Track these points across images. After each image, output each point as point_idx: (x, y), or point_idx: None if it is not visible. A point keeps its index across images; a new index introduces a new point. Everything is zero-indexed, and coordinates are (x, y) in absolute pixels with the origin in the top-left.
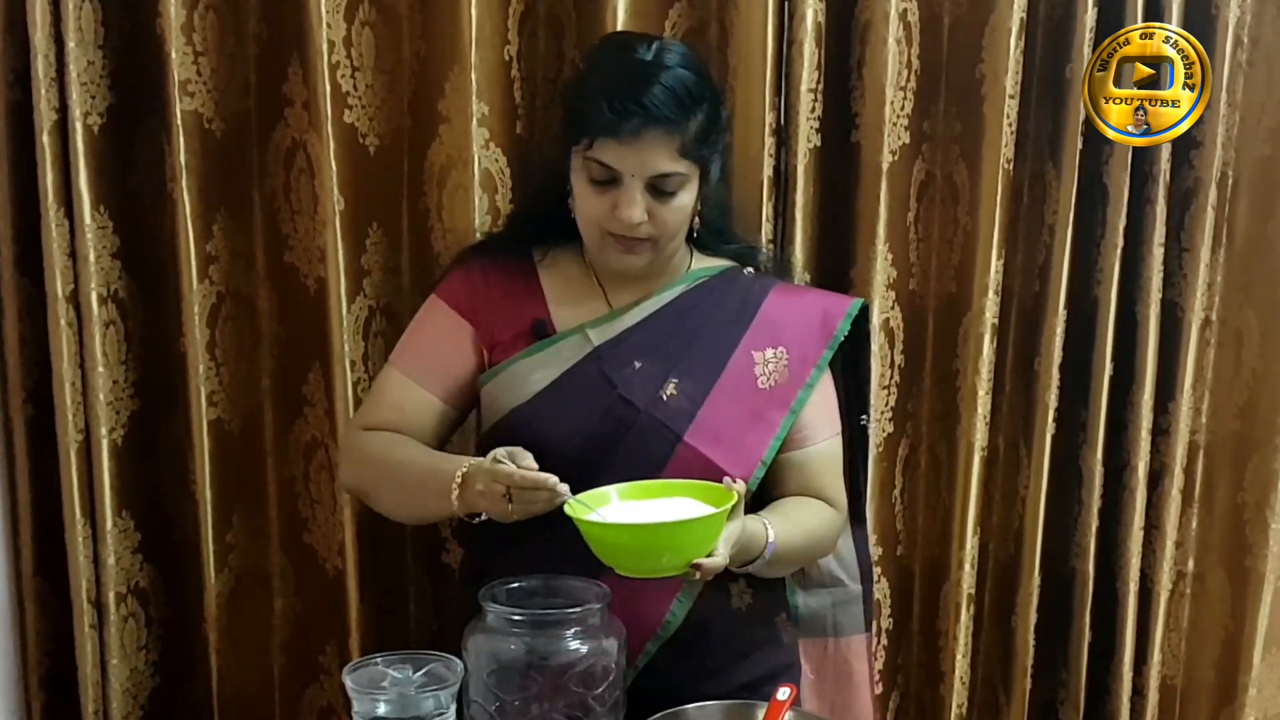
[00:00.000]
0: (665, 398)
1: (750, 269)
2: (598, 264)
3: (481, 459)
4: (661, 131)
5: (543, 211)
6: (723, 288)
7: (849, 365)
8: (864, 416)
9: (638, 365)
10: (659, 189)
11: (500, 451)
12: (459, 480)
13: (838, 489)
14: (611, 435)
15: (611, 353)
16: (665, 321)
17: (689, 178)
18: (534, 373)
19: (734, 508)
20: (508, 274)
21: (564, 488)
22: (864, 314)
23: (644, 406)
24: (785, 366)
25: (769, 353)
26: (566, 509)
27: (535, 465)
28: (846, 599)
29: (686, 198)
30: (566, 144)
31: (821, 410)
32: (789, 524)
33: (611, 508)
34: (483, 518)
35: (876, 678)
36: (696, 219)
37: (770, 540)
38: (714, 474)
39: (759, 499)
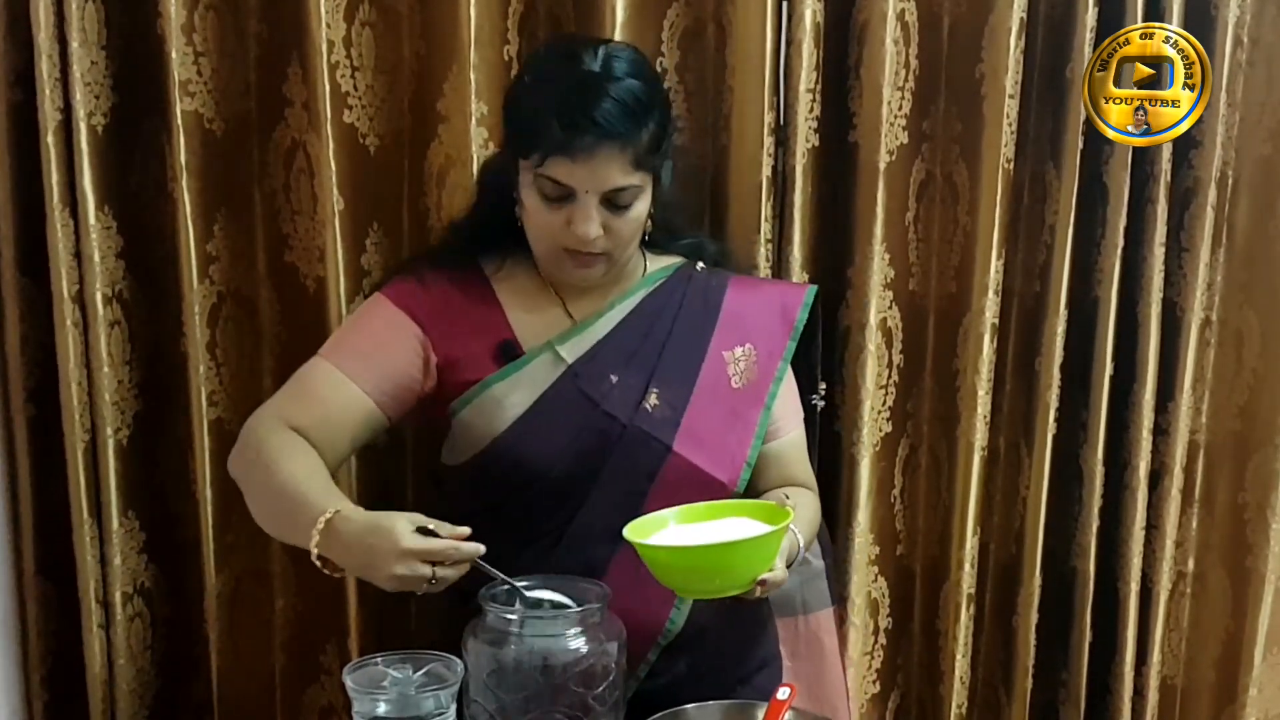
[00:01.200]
0: (650, 409)
1: (701, 264)
2: (552, 276)
3: (357, 510)
4: (615, 147)
5: (490, 222)
6: (681, 288)
7: (799, 347)
8: (814, 396)
9: (614, 379)
10: (614, 203)
11: (429, 524)
12: (322, 525)
13: (809, 473)
14: (598, 452)
15: (587, 369)
16: (632, 330)
17: (642, 189)
18: (508, 396)
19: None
20: (460, 286)
21: (479, 547)
22: (814, 299)
23: (628, 420)
24: (755, 364)
25: (738, 351)
26: (627, 534)
27: (449, 529)
28: (812, 575)
29: (641, 207)
30: (514, 156)
31: (789, 400)
32: (802, 522)
33: (669, 531)
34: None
35: (871, 674)
36: (649, 223)
37: (800, 543)
38: (703, 480)
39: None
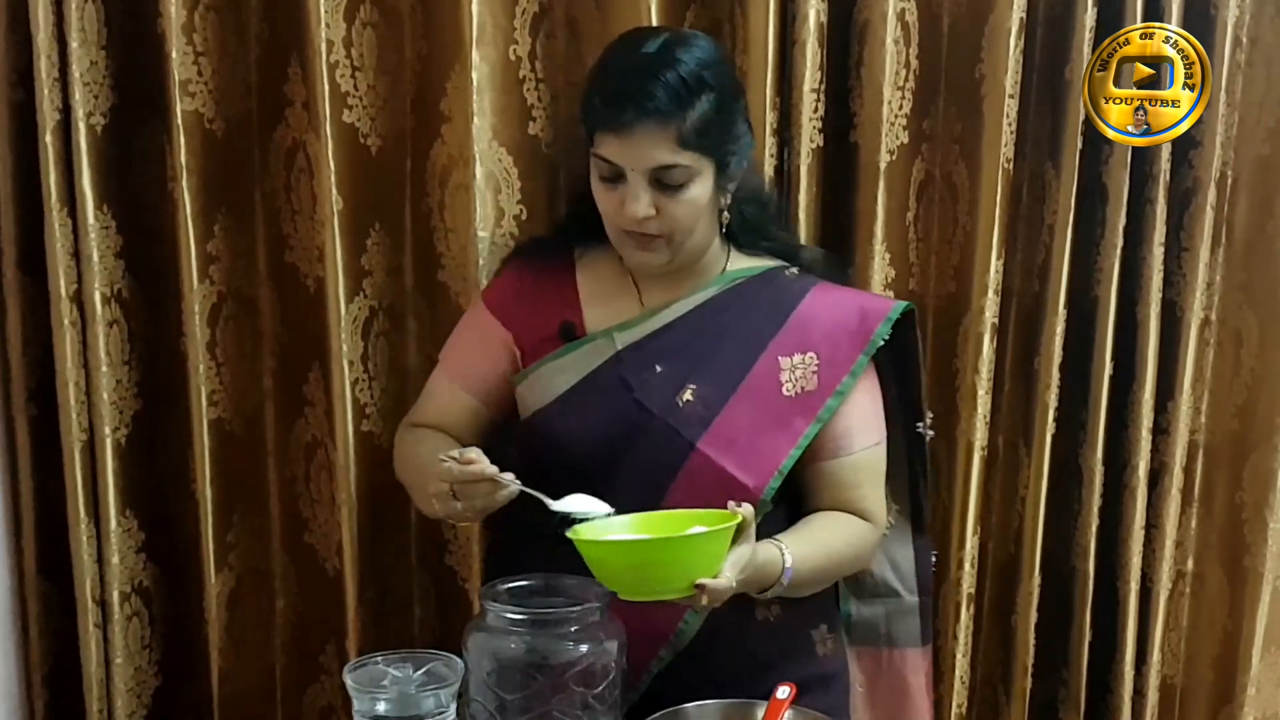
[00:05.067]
0: (681, 404)
1: (794, 269)
2: (628, 263)
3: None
4: (655, 124)
5: (580, 212)
6: (759, 289)
7: (899, 370)
8: (920, 424)
9: (658, 369)
10: (664, 182)
11: (452, 452)
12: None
13: (874, 499)
14: (625, 440)
15: (633, 356)
16: (693, 324)
17: (696, 171)
18: (559, 375)
19: (741, 531)
20: (546, 274)
21: (508, 477)
22: (909, 317)
23: (659, 411)
24: (814, 373)
25: (797, 358)
26: (570, 534)
27: (484, 461)
28: (901, 610)
29: (697, 191)
30: (585, 143)
31: (860, 417)
32: (809, 545)
33: (615, 533)
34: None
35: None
36: (725, 214)
37: (787, 565)
38: (727, 482)
39: (794, 510)
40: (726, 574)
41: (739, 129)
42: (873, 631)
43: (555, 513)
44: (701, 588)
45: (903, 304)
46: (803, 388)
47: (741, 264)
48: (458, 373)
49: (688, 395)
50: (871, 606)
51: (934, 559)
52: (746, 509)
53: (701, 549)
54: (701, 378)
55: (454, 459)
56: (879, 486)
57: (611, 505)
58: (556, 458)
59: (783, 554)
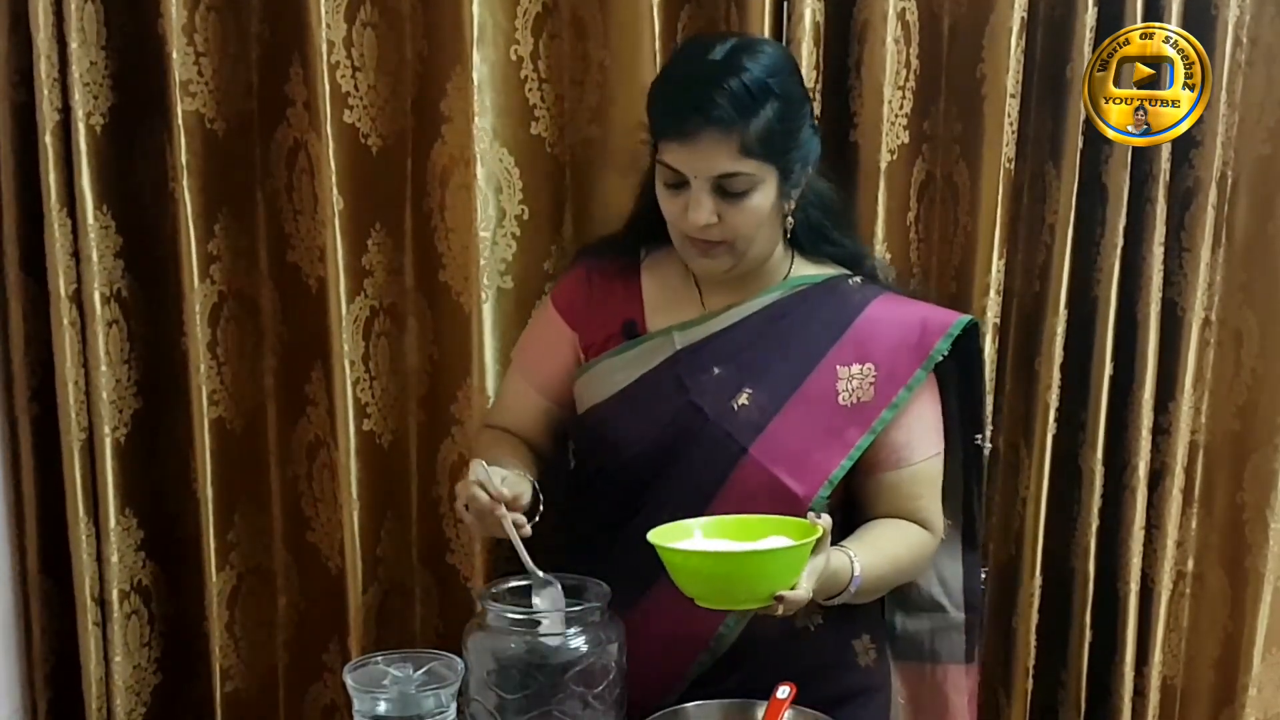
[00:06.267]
0: (736, 408)
1: (857, 278)
2: (692, 267)
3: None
4: (719, 132)
5: (646, 214)
6: (821, 297)
7: (962, 383)
8: (979, 437)
9: (716, 372)
10: (727, 190)
11: (478, 472)
12: None
13: (933, 510)
14: (677, 441)
15: (691, 357)
16: (753, 329)
17: (759, 179)
18: (617, 372)
19: (819, 541)
20: (612, 275)
21: (520, 519)
22: (971, 331)
23: (713, 415)
24: (871, 384)
25: (855, 368)
26: (650, 537)
27: (496, 483)
28: (946, 626)
29: (760, 199)
30: (651, 148)
31: (919, 429)
32: (876, 554)
33: (694, 541)
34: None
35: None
36: (789, 221)
37: (856, 573)
38: (777, 489)
39: (850, 518)
40: (804, 584)
41: (804, 136)
42: (917, 646)
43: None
44: (781, 599)
45: (966, 318)
46: (859, 398)
47: (805, 270)
48: (529, 373)
49: (743, 400)
50: (917, 620)
51: (984, 575)
52: (826, 520)
53: (785, 561)
54: (758, 383)
55: (483, 472)
56: (937, 497)
57: (658, 515)
58: (608, 455)
59: (852, 562)
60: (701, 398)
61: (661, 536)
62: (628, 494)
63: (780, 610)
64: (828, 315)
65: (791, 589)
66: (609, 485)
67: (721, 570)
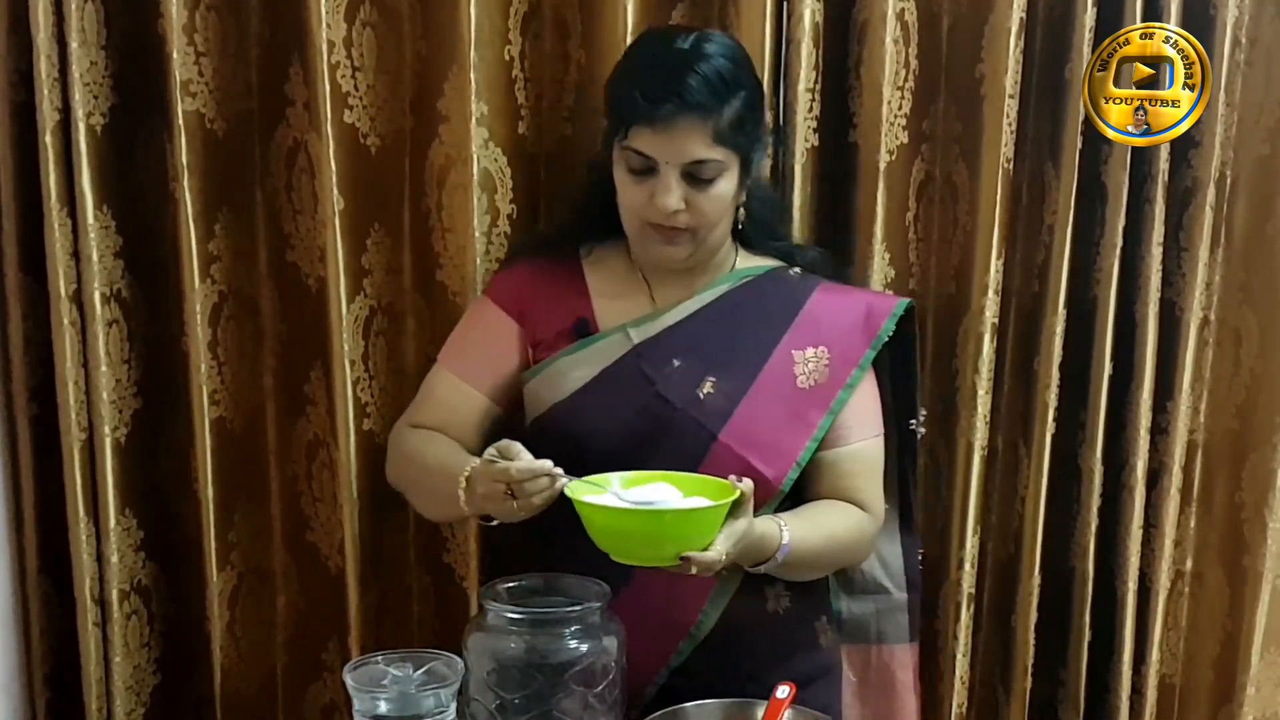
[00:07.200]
0: (702, 396)
1: (797, 269)
2: (642, 260)
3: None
4: (695, 118)
5: (590, 209)
6: (767, 286)
7: (896, 367)
8: (913, 421)
9: (677, 363)
10: (696, 176)
11: (492, 449)
12: (463, 483)
13: (872, 492)
14: (649, 433)
15: (651, 350)
16: (707, 320)
17: (726, 166)
18: (574, 370)
19: (739, 505)
20: (554, 272)
21: (560, 471)
22: (910, 315)
23: (681, 405)
24: (826, 366)
25: (809, 352)
26: (566, 490)
27: (529, 455)
28: (891, 607)
29: (725, 186)
30: (609, 138)
31: (861, 410)
32: (809, 526)
33: (610, 494)
34: (495, 522)
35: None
36: (741, 212)
37: (784, 541)
38: (750, 473)
39: (795, 499)
40: (718, 546)
41: (763, 127)
42: (863, 628)
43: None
44: (689, 559)
45: (906, 301)
46: (816, 381)
47: (749, 262)
48: (466, 371)
49: (708, 388)
50: (862, 604)
51: (920, 555)
52: (746, 484)
53: (695, 523)
54: (720, 372)
55: (500, 457)
56: (877, 479)
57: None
58: (578, 452)
59: (780, 530)
60: (668, 389)
61: (578, 490)
62: None
63: (692, 570)
64: (776, 303)
65: (704, 550)
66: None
67: (626, 525)
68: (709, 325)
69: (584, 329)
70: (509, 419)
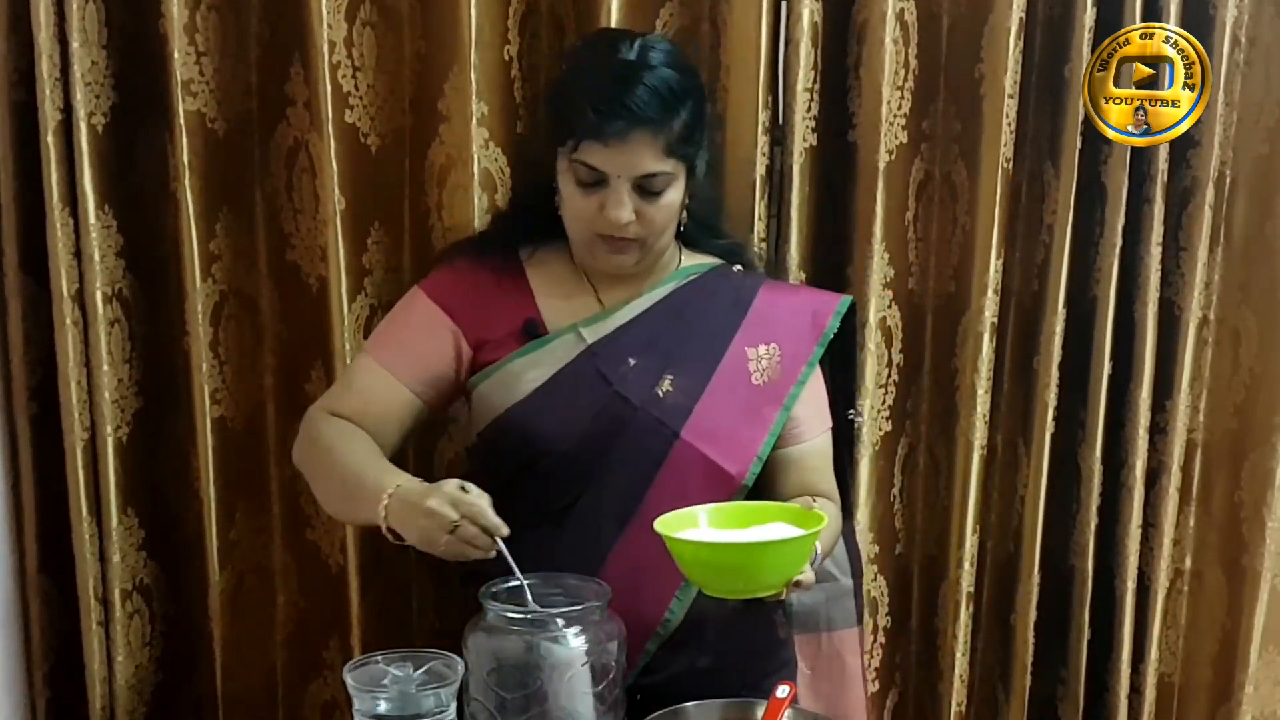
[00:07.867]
0: (661, 394)
1: (739, 266)
2: (587, 265)
3: (416, 480)
4: (647, 132)
5: (530, 210)
6: (714, 284)
7: (837, 361)
8: (852, 411)
9: (632, 362)
10: (646, 189)
11: (461, 482)
12: (386, 500)
13: (832, 484)
14: (608, 433)
15: (606, 350)
16: (658, 318)
17: (675, 176)
18: (527, 372)
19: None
20: (495, 272)
21: (503, 534)
22: (852, 311)
23: (640, 403)
24: (778, 363)
25: (762, 349)
26: (658, 527)
27: (493, 515)
28: (838, 593)
29: (674, 195)
30: (552, 145)
31: (813, 406)
32: (826, 530)
33: (701, 530)
34: (405, 541)
35: (870, 672)
36: (684, 214)
37: (816, 550)
38: (711, 470)
39: (755, 496)
40: (808, 568)
41: (707, 131)
42: (815, 617)
43: None
44: (797, 584)
45: (848, 299)
46: (769, 377)
47: (693, 260)
48: (394, 363)
49: (666, 385)
50: (812, 593)
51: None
52: (825, 505)
53: (796, 551)
54: (677, 369)
55: (463, 496)
56: (831, 471)
57: (597, 502)
58: (535, 456)
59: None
60: (625, 388)
61: (666, 526)
62: (562, 487)
63: (789, 595)
64: (725, 301)
65: (800, 573)
66: (538, 481)
67: (738, 562)
68: (661, 323)
69: (534, 329)
70: (429, 418)
